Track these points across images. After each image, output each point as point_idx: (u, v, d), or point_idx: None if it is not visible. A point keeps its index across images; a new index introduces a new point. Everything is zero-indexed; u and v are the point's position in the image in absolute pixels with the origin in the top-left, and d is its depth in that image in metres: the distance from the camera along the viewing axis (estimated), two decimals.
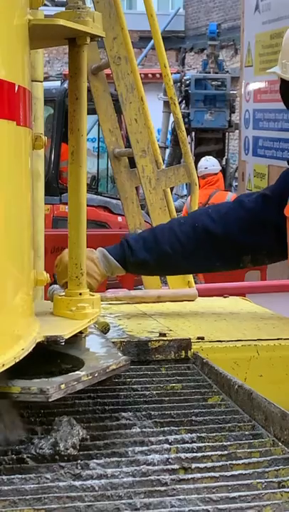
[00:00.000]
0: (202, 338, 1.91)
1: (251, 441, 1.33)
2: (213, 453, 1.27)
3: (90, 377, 1.33)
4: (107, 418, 1.43)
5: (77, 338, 1.48)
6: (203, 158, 10.06)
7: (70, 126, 1.50)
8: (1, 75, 1.19)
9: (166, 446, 1.29)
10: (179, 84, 12.84)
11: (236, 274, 5.06)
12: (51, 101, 9.40)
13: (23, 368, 1.26)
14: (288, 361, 1.89)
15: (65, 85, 9.89)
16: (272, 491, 1.13)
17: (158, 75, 14.43)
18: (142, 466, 1.21)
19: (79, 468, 1.20)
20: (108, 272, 2.17)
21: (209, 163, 9.80)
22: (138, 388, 1.61)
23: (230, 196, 8.77)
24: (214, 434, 1.36)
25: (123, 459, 1.24)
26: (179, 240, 2.20)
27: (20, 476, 1.17)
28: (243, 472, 1.20)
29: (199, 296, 2.53)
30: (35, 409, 1.43)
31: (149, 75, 15.88)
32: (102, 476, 1.18)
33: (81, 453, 1.26)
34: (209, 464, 1.22)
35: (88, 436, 1.30)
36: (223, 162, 12.48)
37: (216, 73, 13.58)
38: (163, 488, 1.14)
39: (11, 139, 1.24)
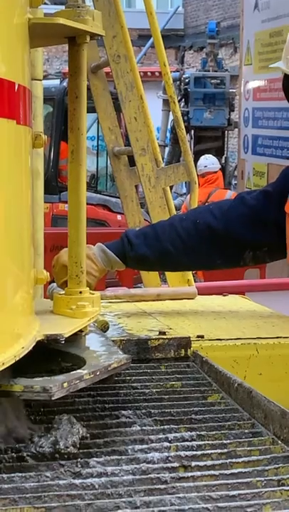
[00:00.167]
0: (202, 337, 1.91)
1: (251, 439, 1.33)
2: (212, 451, 1.27)
3: (92, 375, 1.33)
4: (107, 416, 1.43)
5: (77, 337, 1.48)
6: (202, 157, 10.06)
7: (70, 124, 1.50)
8: (1, 74, 1.19)
9: (166, 444, 1.29)
10: (178, 82, 12.83)
11: (236, 272, 5.07)
12: (50, 99, 9.40)
13: (24, 367, 1.26)
14: (288, 359, 1.89)
15: (65, 84, 9.89)
16: (272, 489, 1.14)
17: (157, 73, 14.43)
18: (141, 464, 1.21)
19: (79, 466, 1.21)
20: (107, 267, 2.18)
21: (209, 162, 9.80)
22: (138, 386, 1.61)
23: (230, 194, 8.77)
24: (214, 433, 1.36)
25: (123, 457, 1.24)
26: (180, 236, 2.20)
27: (20, 474, 1.17)
28: (243, 470, 1.20)
29: (199, 294, 2.54)
30: (36, 408, 1.43)
31: (148, 74, 15.87)
32: (102, 474, 1.18)
33: (81, 451, 1.26)
34: (209, 462, 1.23)
35: (88, 435, 1.31)
36: (223, 160, 12.48)
37: (216, 71, 13.56)
38: (163, 486, 1.14)
39: (11, 138, 1.25)
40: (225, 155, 13.22)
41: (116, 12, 3.40)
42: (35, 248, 1.86)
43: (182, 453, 1.25)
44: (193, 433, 1.35)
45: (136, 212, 3.72)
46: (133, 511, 1.06)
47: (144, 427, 1.38)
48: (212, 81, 12.95)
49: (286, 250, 2.17)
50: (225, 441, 1.32)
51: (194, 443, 1.31)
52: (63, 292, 1.56)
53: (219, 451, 1.27)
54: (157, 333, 1.90)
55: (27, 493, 1.11)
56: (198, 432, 1.35)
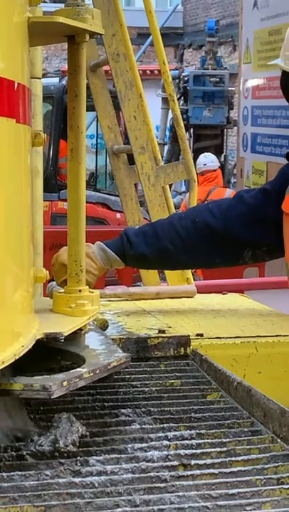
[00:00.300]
0: (201, 335, 1.91)
1: (250, 437, 1.33)
2: (212, 449, 1.27)
3: (92, 374, 1.33)
4: (106, 415, 1.43)
5: (76, 335, 1.48)
6: (202, 155, 10.06)
7: (70, 123, 1.50)
8: (1, 73, 1.19)
9: (165, 442, 1.30)
10: (177, 80, 12.82)
11: (235, 270, 5.08)
12: (49, 98, 9.39)
13: (23, 365, 1.26)
14: (287, 358, 1.90)
15: (64, 82, 9.88)
16: (272, 487, 1.14)
17: (156, 72, 14.42)
18: (141, 463, 1.21)
19: (78, 465, 1.21)
20: (107, 265, 2.18)
21: (208, 160, 9.79)
22: (137, 385, 1.61)
23: (229, 193, 8.77)
24: (213, 431, 1.36)
25: (122, 455, 1.25)
26: (179, 235, 2.20)
27: (20, 472, 1.17)
28: (242, 469, 1.20)
29: (198, 292, 2.54)
30: (35, 406, 1.43)
31: (148, 72, 15.86)
32: (101, 473, 1.18)
33: (80, 450, 1.26)
34: (208, 461, 1.23)
35: (88, 433, 1.31)
36: (222, 159, 12.47)
37: (215, 70, 13.56)
38: (162, 485, 1.14)
39: (11, 137, 1.25)
40: (224, 153, 13.21)
41: (115, 10, 3.40)
42: (34, 247, 1.86)
43: (182, 451, 1.26)
44: (193, 431, 1.35)
45: (135, 211, 3.72)
46: (133, 509, 1.07)
47: (143, 426, 1.38)
48: (211, 79, 12.95)
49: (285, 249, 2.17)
50: (224, 440, 1.32)
51: (194, 441, 1.31)
52: (63, 291, 1.56)
53: (219, 449, 1.27)
54: (157, 331, 1.91)
55: (27, 491, 1.12)
56: (197, 431, 1.35)
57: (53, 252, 2.20)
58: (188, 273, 3.07)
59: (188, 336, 1.85)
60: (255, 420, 1.42)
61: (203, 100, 12.75)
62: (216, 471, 1.19)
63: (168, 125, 13.16)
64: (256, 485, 1.15)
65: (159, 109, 13.22)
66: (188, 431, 1.35)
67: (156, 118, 11.82)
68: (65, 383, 1.26)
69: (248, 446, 1.29)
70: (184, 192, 12.10)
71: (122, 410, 1.44)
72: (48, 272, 1.51)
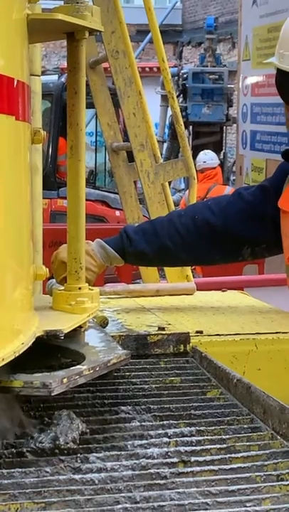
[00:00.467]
0: (201, 332, 1.91)
1: (250, 434, 1.34)
2: (212, 446, 1.27)
3: (92, 371, 1.33)
4: (106, 412, 1.44)
5: (76, 333, 1.48)
6: (201, 152, 10.05)
7: (69, 120, 1.50)
8: (0, 70, 1.19)
9: (165, 439, 1.30)
10: (176, 78, 12.81)
11: (234, 268, 5.08)
12: (49, 95, 9.39)
13: (23, 363, 1.26)
14: (287, 355, 1.90)
15: (63, 79, 9.88)
16: (271, 484, 1.14)
17: (155, 69, 14.41)
18: (141, 460, 1.21)
19: (79, 461, 1.21)
20: (106, 263, 2.18)
21: (208, 157, 9.79)
22: (137, 382, 1.61)
23: (229, 190, 8.77)
24: (213, 428, 1.36)
25: (122, 452, 1.25)
26: (179, 232, 2.20)
27: (20, 469, 1.17)
28: (242, 465, 1.20)
29: (197, 290, 2.54)
30: (35, 403, 1.43)
31: (147, 69, 15.85)
32: (101, 470, 1.18)
33: (81, 447, 1.27)
34: (208, 458, 1.23)
35: (88, 430, 1.31)
36: (221, 156, 12.47)
37: (214, 67, 13.55)
38: (162, 482, 1.15)
39: (10, 134, 1.24)
40: (223, 150, 13.21)
41: (114, 7, 3.39)
42: (33, 244, 1.86)
43: (181, 448, 1.26)
44: (193, 428, 1.35)
45: (135, 208, 3.71)
46: (133, 506, 1.07)
47: (143, 423, 1.38)
48: (210, 76, 12.94)
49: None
50: (224, 437, 1.32)
51: (194, 438, 1.31)
52: (62, 288, 1.56)
53: (218, 446, 1.28)
54: (156, 328, 1.91)
55: (27, 488, 1.12)
56: (197, 428, 1.36)
57: (52, 249, 2.20)
58: (188, 270, 3.06)
59: (188, 333, 1.85)
60: (255, 417, 1.42)
61: (202, 97, 12.75)
62: (215, 467, 1.19)
63: (167, 122, 13.15)
64: (256, 481, 1.15)
65: (158, 106, 13.22)
66: (188, 428, 1.36)
67: (156, 115, 11.81)
68: (65, 380, 1.26)
69: (247, 443, 1.29)
70: (183, 189, 12.09)
71: (122, 407, 1.44)
72: (47, 269, 1.51)
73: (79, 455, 1.23)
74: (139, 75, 3.49)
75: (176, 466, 1.21)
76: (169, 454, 1.24)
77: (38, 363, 1.41)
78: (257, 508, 1.07)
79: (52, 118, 9.67)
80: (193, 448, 1.26)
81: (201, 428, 1.36)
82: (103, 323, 1.86)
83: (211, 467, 1.19)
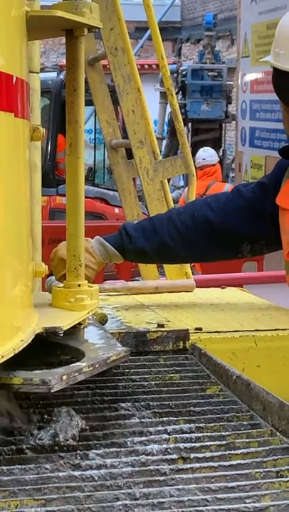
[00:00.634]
0: (200, 329, 1.91)
1: (249, 431, 1.34)
2: (211, 443, 1.28)
3: (91, 368, 1.33)
4: (106, 409, 1.44)
5: (76, 330, 1.48)
6: (201, 149, 10.05)
7: (68, 117, 1.50)
8: None
9: (164, 436, 1.30)
10: (175, 75, 12.80)
11: (233, 264, 5.08)
12: (47, 92, 9.38)
13: (23, 360, 1.26)
14: (286, 352, 1.90)
15: (61, 76, 9.87)
16: (271, 480, 1.14)
17: (154, 66, 14.40)
18: (140, 456, 1.21)
19: (78, 458, 1.21)
20: (106, 260, 2.18)
21: (207, 154, 9.78)
22: (136, 379, 1.61)
23: (228, 187, 8.76)
24: (212, 425, 1.37)
25: (122, 449, 1.25)
26: (178, 229, 2.20)
27: (20, 466, 1.18)
28: (242, 462, 1.20)
29: (197, 287, 2.54)
30: (34, 400, 1.44)
31: (146, 66, 15.83)
32: (101, 466, 1.18)
33: (80, 443, 1.27)
34: (208, 454, 1.23)
35: (87, 427, 1.31)
36: (220, 153, 12.46)
37: (213, 64, 13.54)
38: (162, 478, 1.15)
39: (10, 131, 1.25)
40: (222, 147, 13.21)
41: (113, 4, 3.39)
42: (33, 241, 1.87)
43: (181, 445, 1.26)
44: (192, 425, 1.35)
45: (134, 205, 3.71)
46: (132, 503, 1.07)
47: (143, 420, 1.38)
48: (209, 73, 12.93)
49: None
50: (224, 433, 1.33)
51: (193, 435, 1.31)
52: (62, 285, 1.56)
53: (218, 443, 1.28)
54: (156, 325, 1.91)
55: (27, 485, 1.12)
56: (197, 424, 1.36)
57: (51, 246, 2.20)
58: (187, 267, 3.06)
59: (187, 330, 1.85)
60: (255, 414, 1.42)
61: (201, 94, 12.74)
62: (215, 464, 1.19)
63: (166, 119, 13.14)
64: (255, 478, 1.15)
65: (157, 103, 13.21)
66: (188, 424, 1.36)
67: (154, 112, 11.81)
68: (64, 377, 1.26)
69: (247, 440, 1.30)
70: (182, 186, 12.10)
71: (122, 404, 1.44)
72: (46, 266, 1.51)
73: (78, 452, 1.23)
74: (138, 72, 3.49)
75: (176, 462, 1.21)
76: (168, 450, 1.24)
77: (37, 360, 1.41)
78: (256, 505, 1.07)
79: (51, 115, 9.66)
80: (193, 444, 1.27)
81: (201, 425, 1.36)
82: (102, 320, 1.86)
83: (211, 464, 1.19)
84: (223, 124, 13.26)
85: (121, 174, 3.75)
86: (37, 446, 1.24)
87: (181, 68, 13.40)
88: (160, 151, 3.76)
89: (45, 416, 1.35)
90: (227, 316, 2.12)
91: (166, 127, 13.25)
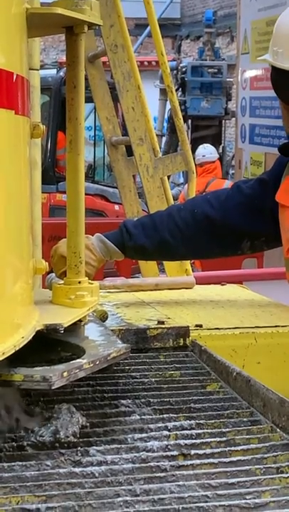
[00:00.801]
0: (200, 326, 1.91)
1: (250, 427, 1.34)
2: (212, 439, 1.28)
3: (92, 365, 1.33)
4: (106, 405, 1.44)
5: (76, 327, 1.48)
6: (200, 146, 10.04)
7: (68, 114, 1.50)
8: (0, 64, 1.19)
9: (165, 433, 1.30)
10: (175, 71, 12.79)
11: (233, 261, 5.08)
12: (47, 89, 9.37)
13: (23, 357, 1.26)
14: (286, 348, 1.90)
15: (61, 73, 9.86)
16: (271, 476, 1.14)
17: (154, 63, 14.39)
18: (141, 453, 1.22)
19: (79, 455, 1.21)
20: (106, 257, 2.18)
21: (207, 151, 9.78)
22: (137, 376, 1.62)
23: (228, 184, 8.76)
24: (213, 421, 1.37)
25: (123, 445, 1.25)
26: (178, 226, 2.20)
27: (20, 463, 1.18)
28: (242, 458, 1.20)
29: (197, 284, 2.54)
30: (35, 397, 1.44)
31: (145, 63, 15.82)
32: (102, 463, 1.19)
33: (81, 440, 1.27)
34: (208, 451, 1.23)
35: (88, 424, 1.31)
36: (220, 150, 12.46)
37: (213, 61, 13.53)
38: (162, 475, 1.15)
39: (10, 128, 1.25)
40: (222, 144, 13.20)
41: (113, 1, 3.39)
42: (33, 238, 1.87)
43: (181, 441, 1.26)
44: (193, 422, 1.35)
45: (134, 202, 3.72)
46: (133, 499, 1.07)
47: (143, 416, 1.39)
48: (209, 70, 12.93)
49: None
50: (224, 430, 1.33)
51: (193, 431, 1.31)
52: (62, 282, 1.56)
53: (218, 439, 1.28)
54: (156, 322, 1.91)
55: (27, 481, 1.12)
56: (197, 421, 1.36)
57: (51, 244, 2.20)
58: (187, 264, 3.07)
59: (188, 326, 1.85)
60: (255, 410, 1.42)
61: (201, 91, 12.73)
62: (215, 460, 1.20)
63: (166, 116, 13.13)
64: (256, 474, 1.16)
65: (157, 100, 13.20)
66: (188, 421, 1.36)
67: (154, 109, 11.79)
68: (65, 374, 1.26)
69: (247, 436, 1.30)
70: (182, 183, 12.09)
71: (122, 401, 1.44)
72: (47, 263, 1.51)
73: (79, 448, 1.23)
74: (138, 69, 3.49)
75: (176, 459, 1.21)
76: (168, 447, 1.24)
77: (38, 356, 1.41)
78: (257, 501, 1.07)
79: (50, 112, 9.66)
80: (193, 441, 1.27)
81: (201, 421, 1.36)
82: (103, 317, 1.87)
83: (211, 460, 1.20)
84: (223, 121, 13.26)
85: (121, 171, 3.75)
86: (38, 442, 1.25)
87: (181, 65, 13.38)
88: (160, 148, 3.76)
89: (46, 413, 1.35)
90: (227, 313, 2.12)
91: (165, 124, 13.24)
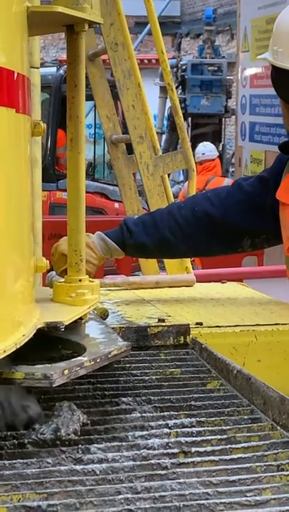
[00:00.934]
0: (200, 324, 1.92)
1: (250, 425, 1.34)
2: (212, 437, 1.28)
3: (93, 362, 1.34)
4: (107, 403, 1.44)
5: (77, 324, 1.48)
6: (200, 144, 10.04)
7: (69, 113, 1.50)
8: (0, 63, 1.19)
9: (166, 430, 1.30)
10: (175, 69, 12.79)
11: (233, 259, 5.08)
12: (47, 87, 9.37)
13: (24, 354, 1.27)
14: (286, 346, 1.90)
15: (61, 71, 9.86)
16: (272, 474, 1.15)
17: (154, 61, 14.39)
18: (142, 451, 1.22)
19: (80, 452, 1.22)
20: (107, 255, 2.18)
21: (207, 149, 9.78)
22: (137, 374, 1.62)
23: (228, 182, 8.75)
24: (213, 419, 1.37)
25: (123, 443, 1.25)
26: (179, 224, 2.20)
27: (21, 460, 1.18)
28: (243, 456, 1.21)
29: (197, 281, 2.54)
30: (36, 395, 1.44)
31: (145, 61, 15.82)
32: (102, 461, 1.19)
33: (82, 438, 1.27)
34: (209, 448, 1.24)
35: (89, 421, 1.32)
36: (220, 148, 12.46)
37: (213, 58, 13.52)
38: (163, 472, 1.15)
39: (11, 127, 1.25)
40: (222, 142, 13.20)
41: None
42: (34, 236, 1.87)
43: (182, 439, 1.26)
44: (193, 419, 1.36)
45: (134, 200, 3.72)
46: (134, 496, 1.07)
47: (144, 414, 1.39)
48: (209, 68, 12.92)
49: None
50: (224, 428, 1.33)
51: (194, 429, 1.32)
52: (63, 280, 1.57)
53: (219, 437, 1.28)
54: (156, 320, 1.91)
55: (28, 479, 1.12)
56: (197, 419, 1.36)
57: (51, 242, 2.20)
58: (188, 262, 3.07)
59: (188, 324, 1.85)
60: (255, 408, 1.43)
61: (201, 89, 12.73)
62: (216, 458, 1.20)
63: (166, 114, 13.13)
64: (256, 472, 1.16)
65: (157, 97, 13.19)
66: (189, 419, 1.36)
67: (154, 107, 11.79)
68: (66, 372, 1.27)
69: (248, 434, 1.30)
70: (182, 181, 12.09)
71: (123, 399, 1.44)
72: (48, 261, 1.52)
73: (80, 446, 1.23)
74: (138, 67, 3.49)
75: (177, 456, 1.21)
76: (169, 444, 1.25)
77: (38, 354, 1.42)
78: (257, 498, 1.07)
79: (50, 110, 9.66)
80: (194, 439, 1.27)
81: (202, 419, 1.36)
82: (103, 315, 1.87)
83: (212, 458, 1.20)
84: (223, 119, 13.25)
85: (121, 169, 3.75)
86: (39, 440, 1.25)
87: (181, 63, 13.39)
88: (160, 146, 3.76)
89: (47, 411, 1.36)
90: (227, 311, 2.12)
91: (165, 122, 13.24)
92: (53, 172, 9.49)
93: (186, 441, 1.26)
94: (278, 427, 1.33)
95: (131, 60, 3.42)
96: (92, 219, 6.60)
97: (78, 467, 1.15)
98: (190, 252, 2.44)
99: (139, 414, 1.38)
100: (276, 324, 1.95)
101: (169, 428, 1.32)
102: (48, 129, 9.55)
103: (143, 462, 1.18)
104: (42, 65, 9.10)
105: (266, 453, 1.22)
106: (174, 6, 21.25)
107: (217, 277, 3.25)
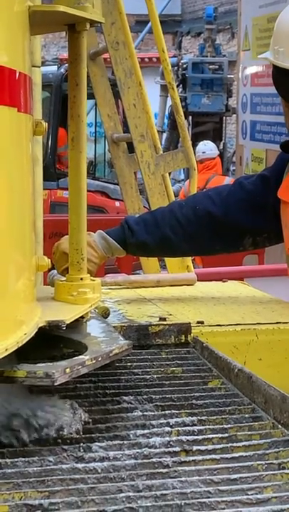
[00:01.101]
0: (202, 323, 1.92)
1: (251, 423, 1.35)
2: (213, 435, 1.28)
3: (94, 361, 1.34)
4: (108, 402, 1.44)
5: (78, 323, 1.48)
6: (201, 143, 10.04)
7: (70, 112, 1.50)
8: (2, 62, 1.20)
9: (167, 429, 1.31)
10: (176, 68, 12.79)
11: (234, 258, 5.09)
12: (48, 86, 9.37)
13: (26, 353, 1.27)
14: (287, 345, 1.91)
15: (62, 70, 9.86)
16: (273, 472, 1.15)
17: (155, 59, 14.37)
18: (143, 449, 1.22)
19: (82, 451, 1.22)
20: (108, 254, 2.19)
21: (207, 148, 9.78)
22: (139, 372, 1.62)
23: (228, 181, 8.75)
24: (215, 417, 1.37)
25: (125, 441, 1.26)
26: (180, 223, 2.20)
27: (23, 459, 1.18)
28: (244, 454, 1.21)
29: (198, 280, 2.55)
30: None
31: (146, 59, 15.81)
32: (104, 459, 1.19)
33: (83, 436, 1.28)
34: (210, 447, 1.24)
35: (90, 420, 1.32)
36: (221, 146, 12.46)
37: (213, 57, 13.52)
38: (165, 470, 1.16)
39: (13, 126, 1.25)
40: (223, 141, 13.19)
41: None
42: (35, 235, 1.87)
43: (183, 437, 1.27)
44: (194, 418, 1.36)
45: (135, 199, 3.72)
46: (136, 495, 1.08)
47: (145, 413, 1.39)
48: (210, 66, 12.92)
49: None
50: (226, 426, 1.33)
51: (195, 428, 1.32)
52: (64, 279, 1.57)
53: (220, 435, 1.28)
54: (157, 319, 1.91)
55: (30, 477, 1.13)
56: (199, 417, 1.36)
57: (52, 240, 2.20)
58: (189, 261, 3.08)
59: (189, 323, 1.86)
60: (256, 406, 1.43)
61: (201, 88, 12.72)
62: (217, 456, 1.20)
63: (166, 112, 13.13)
64: (258, 470, 1.16)
65: (158, 96, 13.19)
66: (190, 417, 1.36)
67: (155, 105, 11.79)
68: (68, 370, 1.27)
69: (249, 432, 1.30)
70: (182, 180, 12.09)
71: (124, 397, 1.45)
72: (49, 260, 1.52)
73: (82, 444, 1.24)
74: (139, 66, 3.49)
75: (178, 455, 1.21)
76: (171, 443, 1.25)
77: (40, 353, 1.42)
78: (258, 496, 1.08)
79: (51, 109, 9.65)
80: (195, 437, 1.27)
81: (203, 418, 1.37)
82: (105, 314, 1.87)
83: (213, 456, 1.20)
84: (224, 118, 13.25)
85: (122, 168, 3.76)
86: (40, 438, 1.25)
87: (182, 61, 13.38)
88: (160, 144, 3.76)
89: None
90: (228, 310, 2.12)
91: (166, 120, 13.23)
92: (53, 171, 9.49)
93: (188, 440, 1.26)
94: (279, 426, 1.33)
95: (132, 58, 3.43)
96: (93, 217, 6.60)
97: (80, 465, 1.15)
98: (191, 250, 2.44)
99: (140, 413, 1.39)
100: (277, 323, 1.95)
101: (171, 426, 1.32)
102: (48, 128, 9.54)
103: (144, 460, 1.18)
104: (43, 63, 9.08)
105: (267, 451, 1.22)
106: (175, 4, 21.23)
107: (218, 276, 3.25)
